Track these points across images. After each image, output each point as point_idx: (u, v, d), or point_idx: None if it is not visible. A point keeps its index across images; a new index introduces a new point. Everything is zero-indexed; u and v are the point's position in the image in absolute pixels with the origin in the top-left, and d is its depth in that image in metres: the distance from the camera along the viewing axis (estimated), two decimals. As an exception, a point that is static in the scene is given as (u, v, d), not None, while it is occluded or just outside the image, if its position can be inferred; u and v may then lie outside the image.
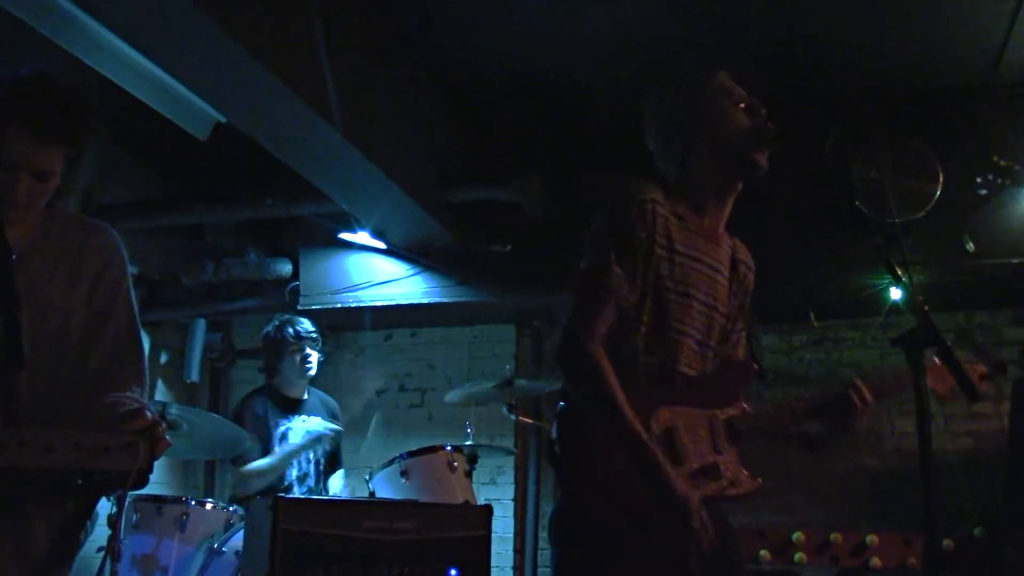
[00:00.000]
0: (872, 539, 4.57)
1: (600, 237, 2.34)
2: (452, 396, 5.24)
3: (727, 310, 2.49)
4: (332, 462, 4.89)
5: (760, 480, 2.35)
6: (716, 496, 2.27)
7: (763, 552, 4.61)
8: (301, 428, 4.73)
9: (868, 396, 2.48)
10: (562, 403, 2.36)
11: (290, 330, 4.88)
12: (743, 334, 2.58)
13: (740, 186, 2.49)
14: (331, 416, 4.95)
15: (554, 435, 2.31)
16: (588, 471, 2.26)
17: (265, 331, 4.95)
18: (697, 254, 2.42)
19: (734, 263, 2.55)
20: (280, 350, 4.83)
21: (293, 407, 4.81)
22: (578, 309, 2.29)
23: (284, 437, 4.65)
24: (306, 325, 4.97)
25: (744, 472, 2.35)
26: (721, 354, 2.48)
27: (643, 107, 2.57)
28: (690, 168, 2.46)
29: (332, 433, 4.62)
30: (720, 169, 2.45)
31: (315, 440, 4.60)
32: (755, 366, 2.49)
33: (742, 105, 2.45)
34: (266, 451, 4.59)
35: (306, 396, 4.94)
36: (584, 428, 2.27)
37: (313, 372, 4.92)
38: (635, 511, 2.16)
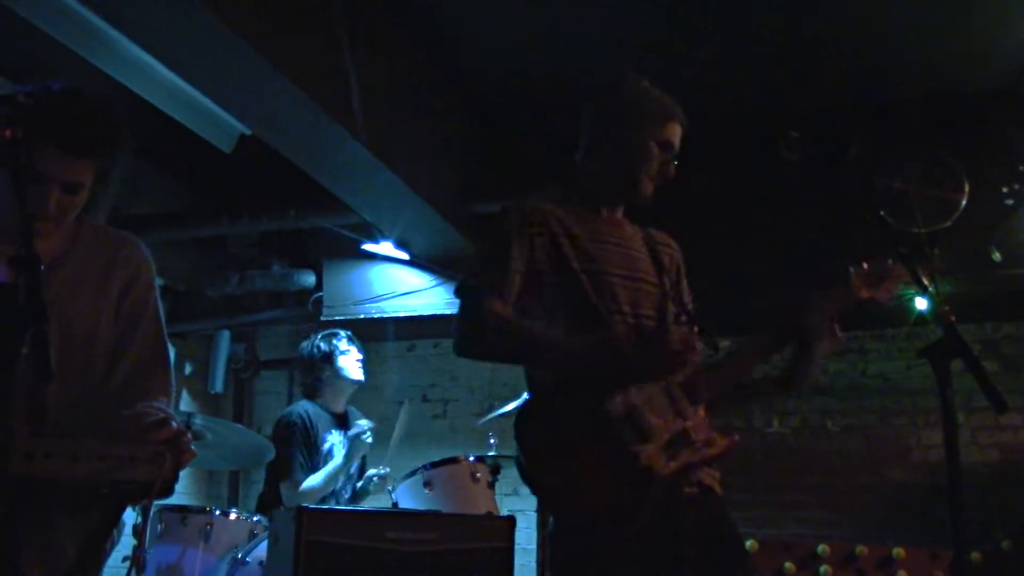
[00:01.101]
0: (898, 552, 4.53)
1: (482, 248, 2.43)
2: (482, 422, 5.22)
3: (656, 280, 2.49)
4: (361, 469, 4.90)
5: (736, 437, 2.29)
6: (695, 461, 2.23)
7: (788, 564, 4.58)
8: (341, 444, 4.70)
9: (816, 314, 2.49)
10: (520, 408, 2.34)
11: (340, 335, 4.88)
12: (685, 313, 2.55)
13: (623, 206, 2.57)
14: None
15: (517, 452, 2.24)
16: (560, 476, 2.19)
17: (310, 344, 4.89)
18: (600, 235, 2.46)
19: (651, 244, 2.57)
20: (332, 359, 4.80)
21: (336, 422, 4.77)
22: (464, 303, 2.35)
23: (330, 453, 4.63)
24: (340, 331, 4.98)
25: (714, 432, 2.30)
26: (664, 322, 2.45)
27: (606, 87, 2.62)
28: (588, 161, 2.57)
29: (366, 430, 4.56)
30: (608, 180, 2.54)
31: (355, 443, 4.55)
32: (695, 327, 2.42)
33: (662, 155, 2.47)
34: (314, 465, 4.56)
35: (346, 410, 4.92)
36: (542, 433, 2.23)
37: (362, 377, 4.90)
38: (622, 508, 2.12)
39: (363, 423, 4.61)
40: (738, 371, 2.50)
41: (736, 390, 2.49)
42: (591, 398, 2.19)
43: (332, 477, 4.54)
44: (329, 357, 4.81)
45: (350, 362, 4.84)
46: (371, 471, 4.71)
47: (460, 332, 2.35)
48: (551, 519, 2.36)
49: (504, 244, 2.37)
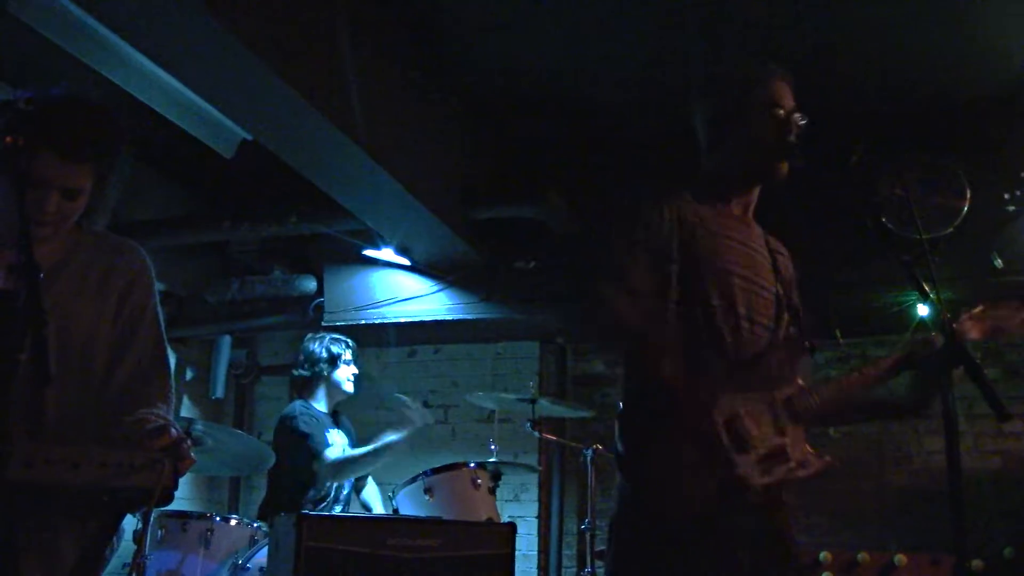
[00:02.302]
0: (900, 559, 4.52)
1: (623, 235, 2.38)
2: (478, 398, 5.23)
3: (773, 287, 2.48)
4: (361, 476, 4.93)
5: (829, 459, 2.30)
6: (784, 481, 2.24)
7: (789, 572, 4.56)
8: (339, 442, 4.74)
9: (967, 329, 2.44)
10: (621, 404, 2.35)
11: (344, 344, 4.94)
12: (797, 323, 2.54)
13: (759, 188, 2.54)
14: (351, 437, 4.96)
15: (617, 437, 2.30)
16: (653, 471, 2.24)
17: (314, 345, 4.95)
18: (730, 232, 2.44)
19: (771, 250, 2.56)
20: (328, 366, 4.87)
21: (329, 421, 4.84)
22: (609, 295, 2.30)
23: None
24: (349, 342, 5.01)
25: (811, 452, 2.31)
26: (775, 332, 2.45)
27: (698, 86, 2.63)
28: (718, 158, 2.53)
29: (425, 424, 4.57)
30: (742, 167, 2.51)
31: (413, 435, 4.55)
32: (807, 343, 2.44)
33: (781, 114, 2.46)
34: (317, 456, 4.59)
35: (335, 413, 4.97)
36: (646, 427, 2.27)
37: (352, 390, 4.96)
38: (700, 510, 2.15)
39: (420, 420, 4.59)
40: (846, 400, 2.44)
41: (853, 412, 2.48)
42: (695, 401, 2.20)
43: (378, 453, 4.52)
44: (333, 361, 4.88)
45: (347, 374, 4.95)
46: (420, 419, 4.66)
47: (588, 326, 2.37)
48: (622, 507, 2.34)
49: (641, 234, 2.36)
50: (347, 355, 4.94)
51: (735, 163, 2.50)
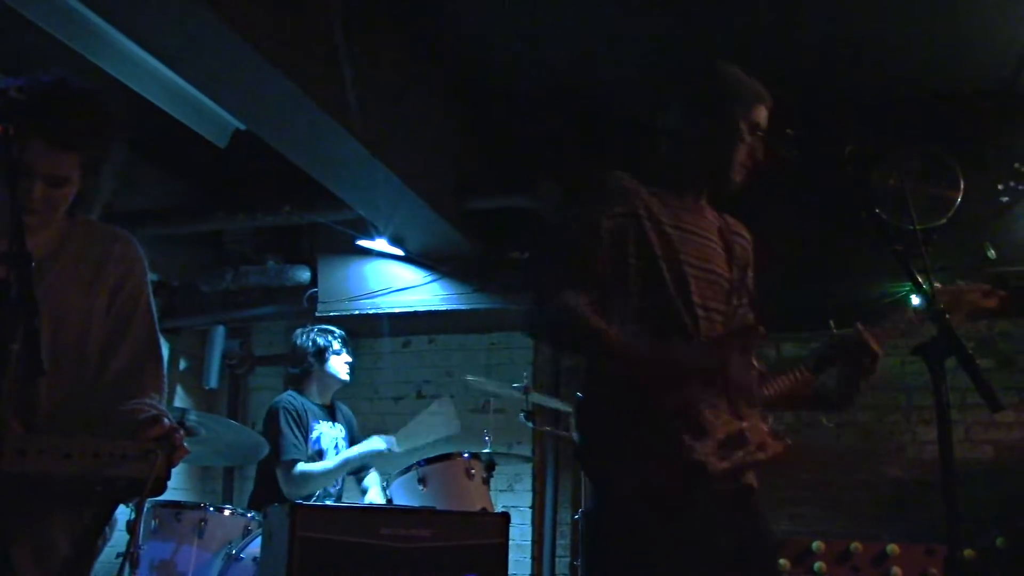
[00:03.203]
0: (893, 549, 4.54)
1: (567, 227, 2.40)
2: (476, 382, 5.25)
3: (729, 275, 2.49)
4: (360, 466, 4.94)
5: (788, 441, 2.33)
6: (744, 465, 2.27)
7: (783, 561, 4.58)
8: (330, 434, 4.75)
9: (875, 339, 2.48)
10: (579, 394, 2.36)
11: (337, 334, 4.94)
12: (748, 307, 2.57)
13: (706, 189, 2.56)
14: (349, 427, 4.96)
15: (575, 428, 2.32)
16: (615, 460, 2.25)
17: (301, 340, 4.95)
18: (682, 223, 2.44)
19: (726, 234, 2.57)
20: (325, 355, 4.87)
21: (322, 412, 4.84)
22: (545, 282, 2.32)
23: (318, 442, 4.68)
24: (336, 330, 5.01)
25: (769, 435, 2.33)
26: (730, 317, 2.47)
27: (677, 75, 2.64)
28: (678, 153, 2.53)
29: (389, 450, 4.61)
30: (697, 166, 2.52)
31: (375, 456, 4.62)
32: (761, 328, 2.45)
33: (752, 138, 2.47)
34: (304, 451, 4.60)
35: (331, 403, 4.97)
36: (605, 416, 2.27)
37: (348, 379, 4.96)
38: (667, 496, 2.17)
39: (384, 446, 4.63)
40: (794, 386, 2.47)
41: (784, 399, 2.49)
42: (650, 390, 2.21)
43: (340, 468, 4.59)
44: (321, 353, 4.87)
45: (340, 363, 4.94)
46: (374, 443, 4.70)
47: (533, 321, 2.36)
48: (592, 500, 2.38)
49: (587, 224, 2.35)
50: (336, 344, 4.93)
51: (697, 158, 2.50)
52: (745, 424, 2.29)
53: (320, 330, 4.99)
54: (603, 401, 2.31)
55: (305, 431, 4.66)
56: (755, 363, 2.39)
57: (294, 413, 4.65)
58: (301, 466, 4.51)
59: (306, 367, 4.89)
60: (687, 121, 2.51)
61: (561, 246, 2.37)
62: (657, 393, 2.20)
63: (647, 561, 2.19)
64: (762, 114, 2.50)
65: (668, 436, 2.18)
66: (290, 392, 4.84)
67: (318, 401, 4.87)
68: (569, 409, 5.76)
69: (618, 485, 2.25)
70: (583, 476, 4.84)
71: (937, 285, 2.33)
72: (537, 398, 5.06)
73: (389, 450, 4.64)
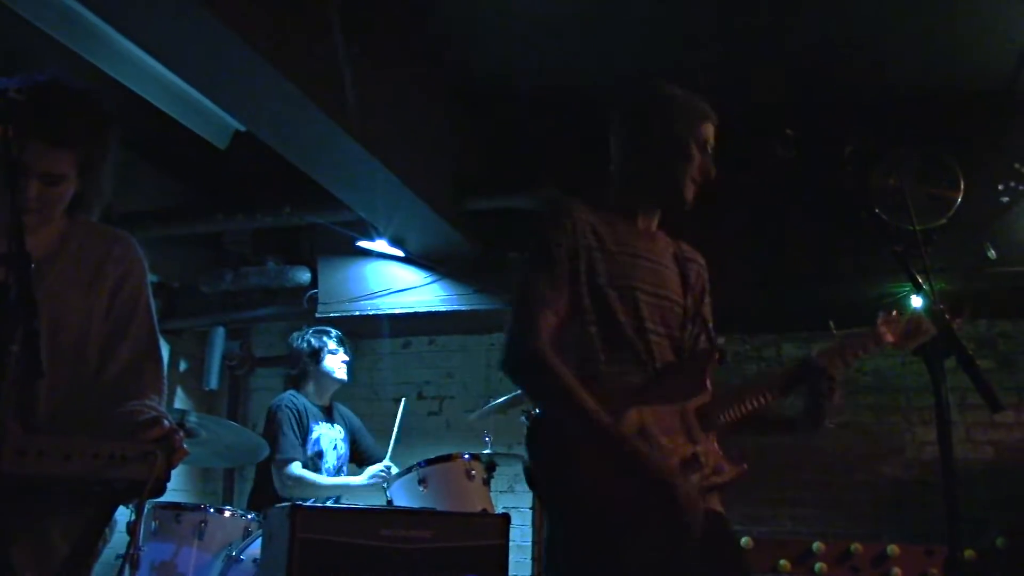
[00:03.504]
0: (893, 550, 4.53)
1: (528, 253, 2.39)
2: (475, 416, 5.23)
3: (682, 300, 2.48)
4: (362, 461, 4.94)
5: (744, 465, 2.32)
6: (703, 487, 2.25)
7: (783, 562, 4.58)
8: (329, 435, 4.75)
9: (838, 360, 2.48)
10: (524, 419, 2.34)
11: (332, 334, 4.95)
12: (705, 333, 2.55)
13: (659, 211, 2.55)
14: (349, 427, 4.96)
15: (527, 454, 2.28)
16: (568, 485, 2.21)
17: (301, 338, 4.97)
18: (633, 249, 2.43)
19: (680, 260, 2.56)
20: (320, 356, 4.87)
21: (321, 413, 4.84)
22: (517, 320, 2.30)
23: (317, 443, 4.69)
24: (338, 332, 5.01)
25: (724, 459, 2.32)
26: (682, 344, 2.46)
27: (618, 97, 2.60)
28: (628, 174, 2.52)
29: (386, 480, 4.61)
30: (649, 187, 2.50)
31: (374, 486, 4.62)
32: (716, 352, 2.44)
33: (701, 154, 2.46)
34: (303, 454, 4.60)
35: (331, 404, 4.97)
36: (556, 439, 2.24)
37: (347, 378, 4.96)
38: (624, 517, 2.14)
39: (384, 470, 4.62)
40: (751, 408, 2.43)
41: (750, 423, 2.47)
42: (603, 417, 2.18)
43: (334, 490, 4.63)
44: (316, 354, 4.89)
45: (336, 362, 4.94)
46: (373, 469, 4.71)
47: (508, 362, 2.30)
48: (548, 525, 2.34)
49: (544, 253, 2.34)
50: (331, 344, 4.93)
51: (648, 179, 2.49)
52: (700, 448, 2.28)
53: (315, 331, 5.00)
54: (554, 428, 2.26)
55: (304, 431, 4.67)
56: (709, 388, 2.38)
57: (294, 412, 4.66)
58: (297, 468, 4.52)
59: (303, 368, 4.91)
60: (631, 143, 2.52)
61: (525, 279, 2.35)
62: (608, 422, 2.17)
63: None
64: (709, 131, 2.48)
65: (630, 457, 2.14)
66: (291, 392, 4.85)
67: (317, 402, 4.88)
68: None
69: (575, 511, 2.21)
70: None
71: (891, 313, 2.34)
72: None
73: (388, 469, 4.65)
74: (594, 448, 2.17)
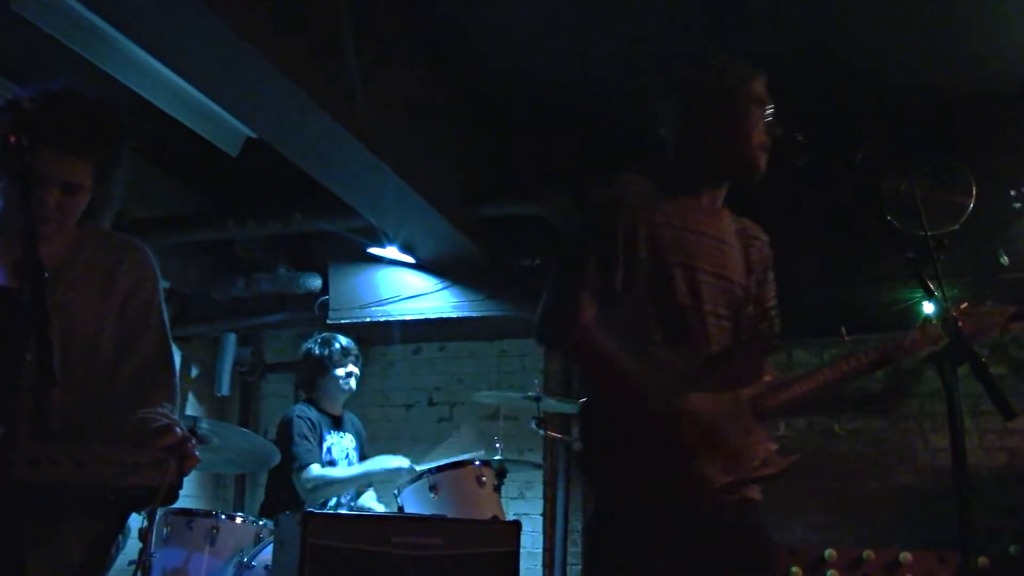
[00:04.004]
0: (905, 557, 4.52)
1: (581, 224, 2.37)
2: (483, 397, 5.23)
3: (744, 282, 2.44)
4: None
5: (793, 457, 2.30)
6: (745, 480, 2.25)
7: (795, 569, 4.57)
8: (341, 444, 4.75)
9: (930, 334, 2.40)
10: (582, 402, 2.34)
11: (336, 346, 4.91)
12: (765, 315, 2.51)
13: (728, 183, 2.48)
14: (359, 437, 4.96)
15: (579, 435, 2.30)
16: (615, 470, 2.23)
17: (307, 348, 4.95)
18: (697, 226, 2.39)
19: (744, 238, 2.51)
20: (324, 366, 4.86)
21: (332, 423, 4.84)
22: (558, 292, 2.28)
23: (328, 452, 4.68)
24: (349, 341, 4.99)
25: (774, 450, 2.31)
26: (741, 326, 2.42)
27: (673, 73, 2.54)
28: (691, 150, 2.45)
29: (408, 470, 4.60)
30: (719, 161, 2.43)
31: (394, 473, 4.60)
32: (775, 338, 2.42)
33: (762, 114, 2.40)
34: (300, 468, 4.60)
35: (341, 414, 4.96)
36: (608, 425, 2.25)
37: (354, 388, 4.94)
38: (668, 507, 2.15)
39: (406, 464, 4.61)
40: (827, 389, 2.39)
41: (819, 406, 2.45)
42: (659, 400, 2.19)
43: (358, 478, 4.60)
44: (322, 363, 4.86)
45: (344, 373, 4.90)
46: (398, 462, 4.68)
47: (544, 328, 2.29)
48: (593, 509, 2.35)
49: (599, 228, 2.31)
50: (337, 356, 4.90)
51: (712, 156, 2.42)
52: (751, 438, 2.27)
53: (322, 340, 4.96)
54: (605, 410, 2.28)
55: (319, 440, 4.66)
56: (764, 376, 2.36)
57: (307, 422, 4.66)
58: (316, 469, 4.51)
59: (312, 375, 4.90)
60: (689, 120, 2.44)
61: (574, 250, 2.33)
62: (664, 405, 2.19)
63: (645, 570, 2.17)
64: (761, 87, 2.42)
65: (670, 449, 2.16)
66: (303, 403, 4.85)
67: (328, 410, 4.87)
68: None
69: (619, 493, 2.23)
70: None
71: (963, 305, 2.31)
72: (548, 404, 5.05)
73: (411, 468, 4.64)
74: (637, 430, 2.17)
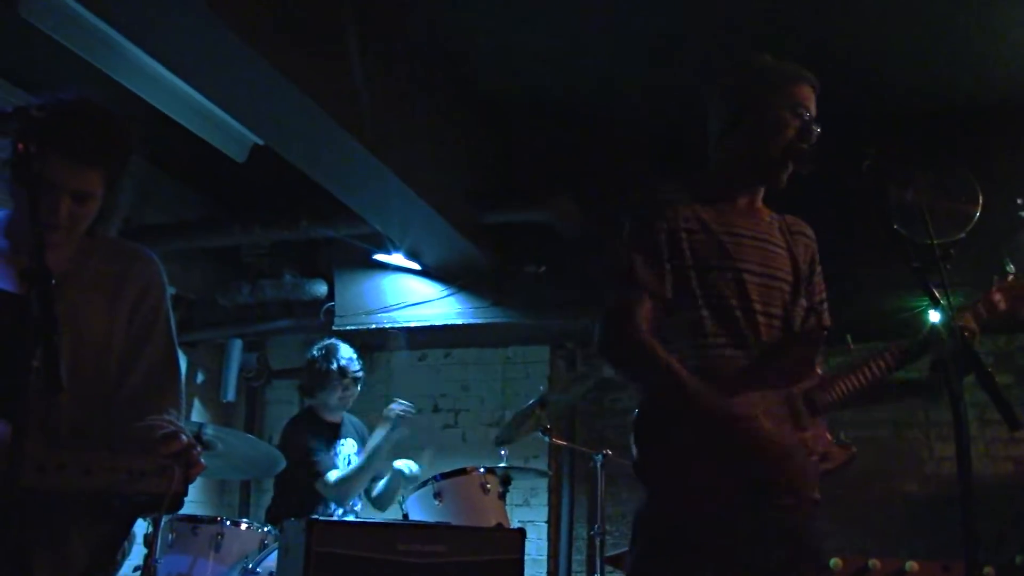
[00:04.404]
0: (911, 566, 4.49)
1: (626, 236, 2.38)
2: (494, 433, 5.20)
3: (790, 278, 2.44)
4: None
5: (853, 447, 2.30)
6: (807, 478, 2.23)
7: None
8: (342, 452, 4.76)
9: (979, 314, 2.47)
10: (636, 411, 2.34)
11: (335, 365, 4.86)
12: (824, 304, 2.53)
13: (762, 188, 2.49)
14: (360, 438, 4.96)
15: (632, 441, 2.28)
16: (669, 475, 2.22)
17: (311, 355, 4.93)
18: (738, 230, 2.40)
19: (787, 234, 2.51)
20: (324, 381, 4.85)
21: (331, 432, 4.83)
22: (613, 305, 2.31)
23: (336, 456, 4.70)
24: (352, 360, 4.93)
25: (834, 443, 2.30)
26: (792, 322, 2.41)
27: (718, 74, 2.56)
28: (729, 149, 2.47)
29: (404, 410, 4.59)
30: (747, 163, 2.45)
31: (394, 424, 4.60)
32: (824, 331, 2.41)
33: (798, 120, 2.40)
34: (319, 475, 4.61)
35: (340, 419, 4.97)
36: (661, 431, 2.25)
37: (348, 406, 4.94)
38: (719, 512, 2.14)
39: (404, 405, 4.60)
40: (868, 385, 2.41)
41: (870, 399, 2.45)
42: (711, 403, 2.19)
43: (366, 467, 4.62)
44: (322, 378, 4.84)
45: (336, 395, 4.86)
46: (397, 409, 4.68)
47: (603, 345, 2.33)
48: (646, 511, 2.31)
49: (643, 239, 2.34)
50: (339, 375, 4.87)
51: (745, 156, 2.43)
52: (808, 434, 2.26)
53: (326, 355, 4.92)
54: (658, 415, 2.27)
55: (328, 449, 4.67)
56: (816, 370, 2.36)
57: (315, 432, 4.67)
58: (333, 475, 4.52)
59: (315, 381, 4.90)
60: (728, 124, 2.45)
61: (621, 260, 2.34)
62: (716, 408, 2.19)
63: (694, 565, 2.17)
64: (804, 92, 2.43)
65: (724, 451, 2.15)
66: (306, 412, 4.87)
67: (325, 418, 4.87)
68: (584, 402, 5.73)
69: (673, 501, 2.22)
70: (600, 490, 4.83)
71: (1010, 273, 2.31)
72: (553, 402, 5.00)
73: (404, 410, 4.62)
74: (691, 435, 2.18)
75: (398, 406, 4.65)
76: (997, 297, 2.51)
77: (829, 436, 2.31)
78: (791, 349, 2.37)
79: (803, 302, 2.46)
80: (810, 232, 2.59)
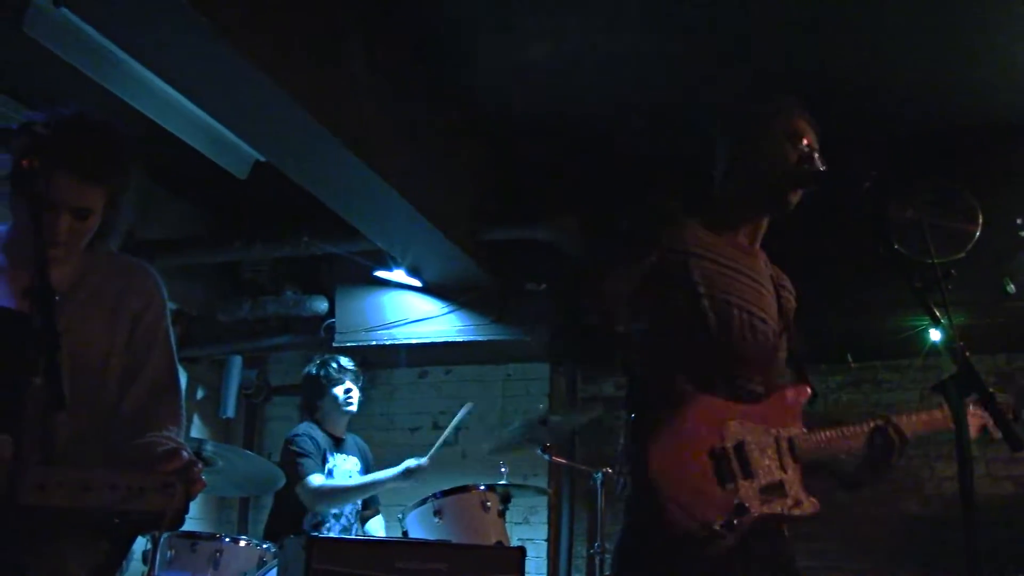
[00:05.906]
0: (912, 585, 4.49)
1: (618, 244, 2.42)
2: (488, 445, 5.20)
3: (775, 324, 2.47)
4: (367, 504, 4.88)
5: (818, 504, 2.32)
6: (781, 516, 2.25)
7: (800, 597, 4.53)
8: (343, 467, 4.74)
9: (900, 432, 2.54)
10: (630, 415, 2.34)
11: (333, 364, 4.92)
12: (794, 363, 2.55)
13: (767, 218, 2.53)
14: (363, 458, 4.95)
15: (624, 441, 2.31)
16: (656, 478, 2.19)
17: (306, 370, 4.97)
18: (735, 263, 2.43)
19: (776, 285, 2.55)
20: (323, 386, 4.85)
21: (335, 444, 4.83)
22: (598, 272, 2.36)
23: (330, 473, 4.67)
24: (346, 360, 4.99)
25: (805, 493, 2.32)
26: (773, 368, 2.45)
27: (722, 114, 2.62)
28: (728, 185, 2.51)
29: (419, 467, 4.56)
30: (751, 195, 2.49)
31: (404, 475, 4.56)
32: (809, 389, 2.45)
33: (799, 147, 2.44)
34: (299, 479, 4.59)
35: (344, 436, 4.95)
36: (653, 433, 2.24)
37: (354, 408, 4.92)
38: (702, 530, 2.14)
39: (415, 463, 4.56)
40: (833, 454, 2.46)
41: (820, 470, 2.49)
42: (704, 418, 2.22)
43: (363, 488, 4.59)
44: (319, 383, 4.85)
45: (343, 393, 4.88)
46: (408, 463, 4.64)
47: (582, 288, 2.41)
48: (625, 528, 2.31)
49: (632, 253, 2.37)
50: (337, 371, 4.89)
51: (748, 190, 2.48)
52: (787, 476, 2.29)
53: (321, 362, 4.96)
54: (649, 432, 2.26)
55: (321, 458, 4.65)
56: (800, 422, 2.40)
57: (310, 439, 4.66)
58: (318, 479, 4.49)
59: (313, 396, 4.90)
60: (734, 158, 2.51)
61: (604, 264, 2.38)
62: (710, 423, 2.21)
63: None
64: (805, 127, 2.48)
65: (715, 471, 2.17)
66: (307, 423, 4.85)
67: (331, 432, 4.86)
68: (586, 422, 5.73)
69: (659, 517, 2.19)
70: (600, 508, 4.82)
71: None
72: (555, 423, 5.00)
73: (418, 466, 4.56)
74: (681, 457, 2.19)
75: (416, 462, 4.59)
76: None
77: (802, 485, 2.33)
78: (781, 396, 2.41)
79: (783, 352, 2.50)
80: (790, 286, 2.63)
